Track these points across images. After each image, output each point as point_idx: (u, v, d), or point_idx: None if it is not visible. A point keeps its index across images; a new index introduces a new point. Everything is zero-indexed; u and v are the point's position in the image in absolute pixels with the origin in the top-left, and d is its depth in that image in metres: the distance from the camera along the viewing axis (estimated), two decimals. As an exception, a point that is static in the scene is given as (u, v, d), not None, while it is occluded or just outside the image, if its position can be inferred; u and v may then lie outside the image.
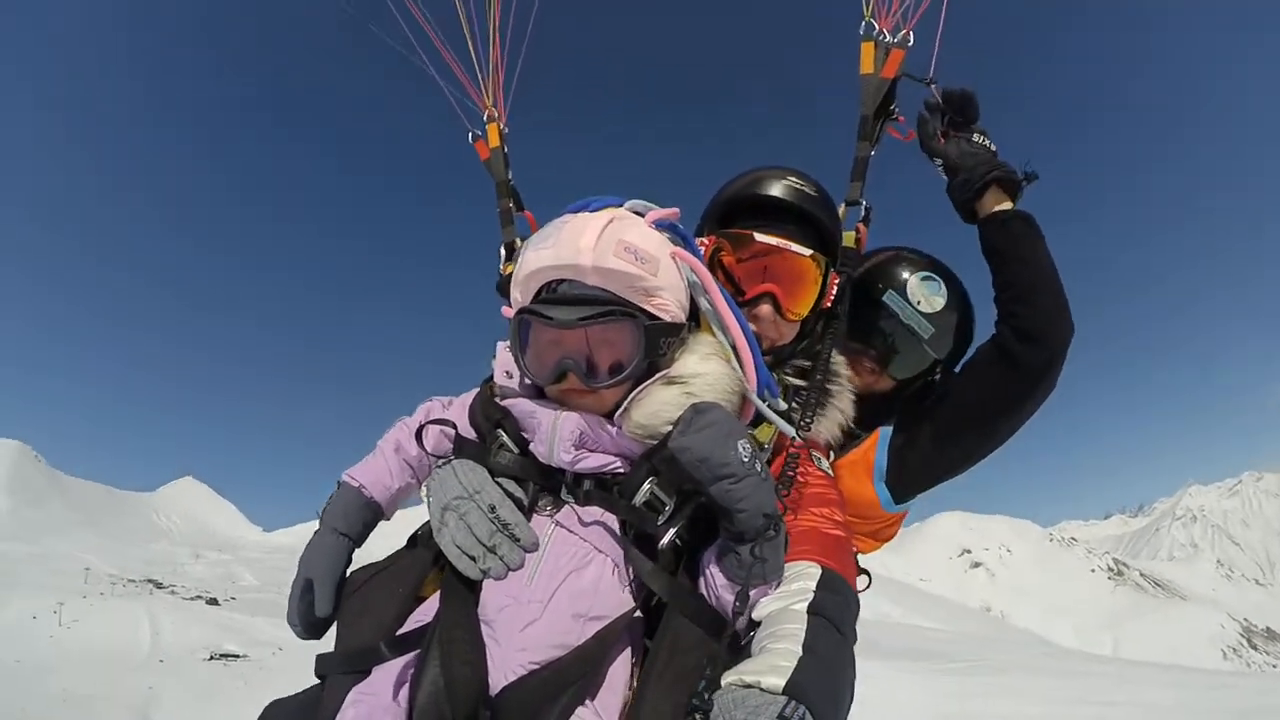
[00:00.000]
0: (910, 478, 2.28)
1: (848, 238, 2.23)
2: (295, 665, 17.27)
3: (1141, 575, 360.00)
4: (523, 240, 2.65)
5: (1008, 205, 2.15)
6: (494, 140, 2.86)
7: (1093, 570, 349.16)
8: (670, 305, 1.64)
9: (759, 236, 2.06)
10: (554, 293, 1.60)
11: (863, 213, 2.28)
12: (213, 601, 30.58)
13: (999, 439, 2.28)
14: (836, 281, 2.16)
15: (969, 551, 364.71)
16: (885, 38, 2.31)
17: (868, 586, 1.75)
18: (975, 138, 2.22)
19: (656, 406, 1.55)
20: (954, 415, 2.23)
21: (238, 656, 18.69)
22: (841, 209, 2.24)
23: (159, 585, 38.32)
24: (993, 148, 2.20)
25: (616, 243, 1.54)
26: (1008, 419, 2.22)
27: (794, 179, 2.13)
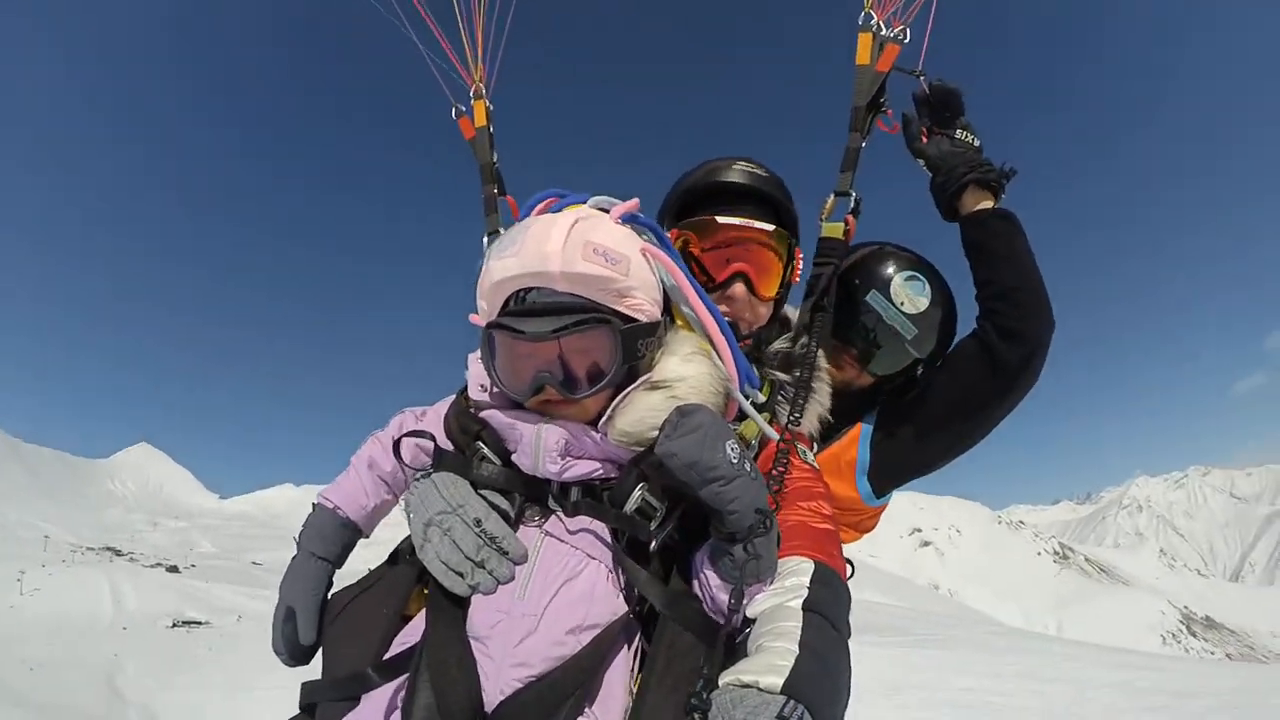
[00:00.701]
0: (892, 472, 2.31)
1: (836, 229, 2.24)
2: (258, 632, 17.23)
3: (1086, 560, 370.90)
4: (505, 229, 2.50)
5: (989, 203, 2.19)
6: (480, 119, 2.74)
7: (1039, 554, 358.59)
8: (645, 304, 1.59)
9: (721, 219, 2.07)
10: (523, 302, 1.54)
11: (852, 204, 2.27)
12: (173, 569, 30.42)
13: (980, 434, 2.32)
14: (801, 256, 2.19)
15: (919, 530, 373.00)
16: (883, 31, 2.32)
17: (851, 575, 1.74)
18: (959, 134, 2.26)
19: (641, 413, 1.51)
20: (935, 411, 2.26)
21: (200, 623, 18.73)
22: (830, 200, 2.26)
23: (118, 553, 37.94)
24: (976, 144, 2.24)
25: (584, 244, 1.48)
26: (988, 414, 2.25)
27: (745, 164, 2.14)
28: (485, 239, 2.55)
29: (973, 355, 2.18)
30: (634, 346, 1.54)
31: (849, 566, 1.73)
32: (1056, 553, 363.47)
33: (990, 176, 2.16)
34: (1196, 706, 9.86)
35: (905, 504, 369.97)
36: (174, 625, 18.29)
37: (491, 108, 2.76)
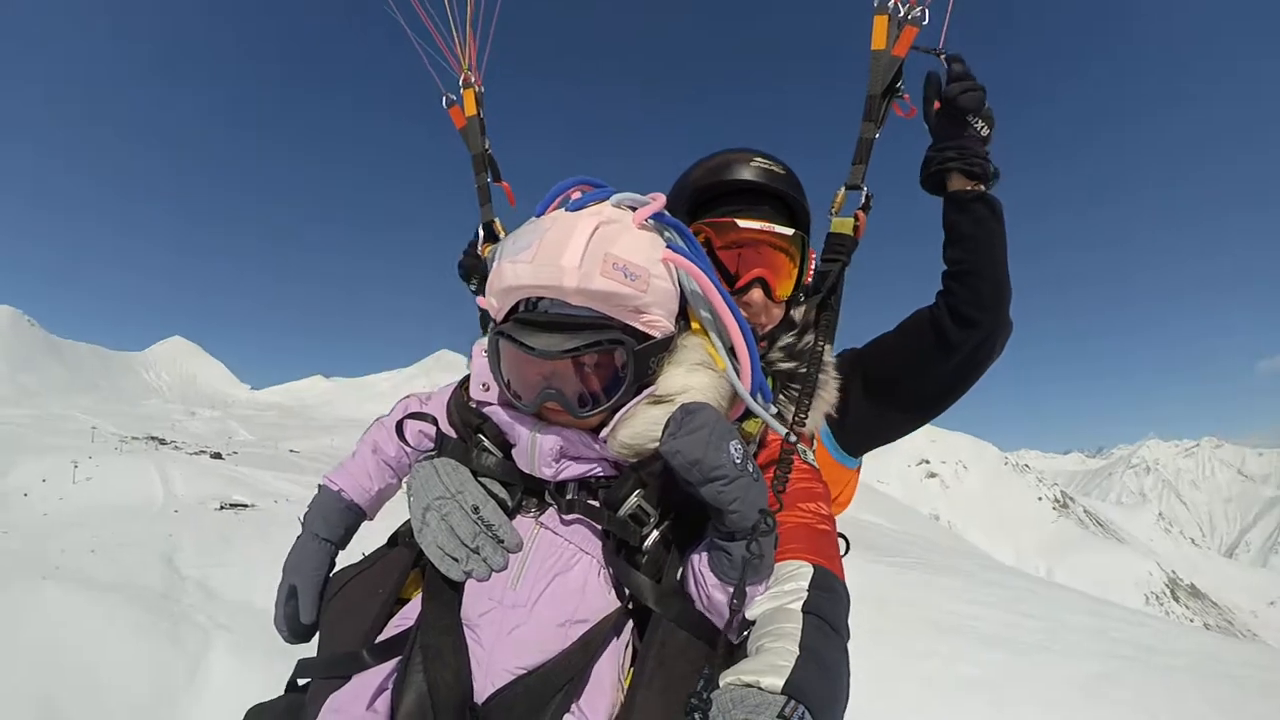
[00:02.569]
0: (852, 440, 2.29)
1: (846, 224, 2.15)
2: (300, 514, 18.40)
3: (1085, 512, 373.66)
4: (500, 221, 2.60)
5: (978, 186, 2.12)
6: (470, 107, 2.69)
7: (1040, 499, 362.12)
8: (661, 320, 1.54)
9: (741, 223, 2.03)
10: (534, 309, 1.49)
11: (863, 199, 2.17)
12: (216, 456, 31.18)
13: (930, 409, 2.29)
14: (814, 256, 2.15)
15: (927, 462, 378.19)
16: (900, 12, 2.17)
17: (846, 552, 1.71)
18: (971, 118, 2.12)
19: (643, 426, 1.49)
20: (887, 381, 2.22)
21: (246, 506, 19.31)
22: (841, 193, 2.16)
23: (162, 442, 38.95)
24: (985, 133, 2.12)
25: (603, 258, 1.41)
26: (935, 391, 2.24)
27: (761, 160, 2.09)
28: (480, 229, 2.58)
29: (923, 328, 2.16)
30: (646, 364, 1.51)
31: (844, 540, 1.73)
32: (1057, 500, 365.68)
33: (975, 168, 2.09)
34: (1159, 661, 10.26)
35: (918, 435, 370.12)
36: (221, 508, 18.81)
37: (482, 90, 2.72)
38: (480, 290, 2.38)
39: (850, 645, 1.45)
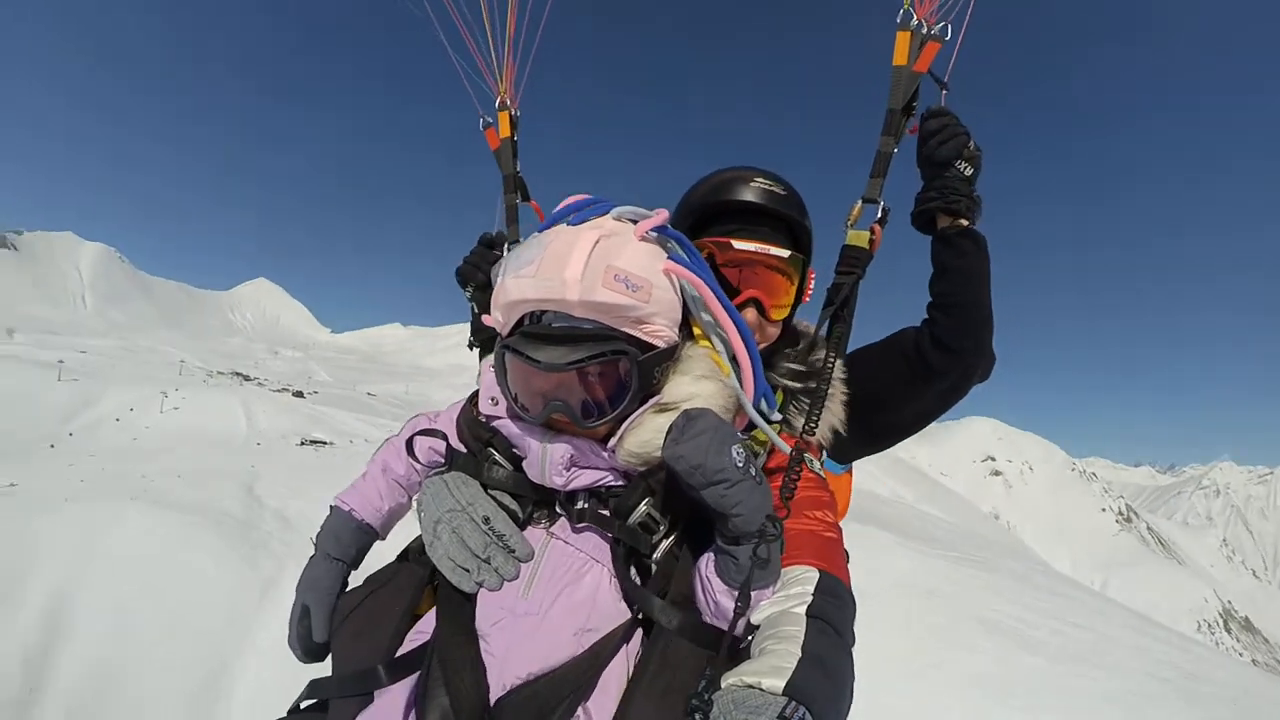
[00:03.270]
0: (836, 450, 2.25)
1: (861, 237, 2.13)
2: (370, 452, 18.85)
3: (1148, 528, 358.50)
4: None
5: (962, 222, 2.16)
6: (505, 129, 2.74)
7: (1103, 509, 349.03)
8: (664, 330, 1.58)
9: (737, 244, 2.06)
10: (538, 323, 1.52)
11: (879, 213, 2.14)
12: (298, 394, 31.93)
13: (908, 430, 2.35)
14: (813, 277, 2.19)
15: (992, 459, 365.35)
16: (923, 28, 2.16)
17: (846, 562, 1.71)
18: (956, 163, 2.15)
19: (649, 434, 1.52)
20: (869, 399, 2.18)
21: (325, 443, 19.84)
22: (857, 206, 2.14)
23: (246, 378, 40.02)
24: (968, 173, 2.15)
25: (605, 270, 1.45)
26: (913, 415, 2.28)
27: (762, 180, 2.10)
28: (506, 248, 2.57)
29: (908, 349, 2.20)
30: (650, 374, 1.54)
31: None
32: (1121, 513, 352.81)
33: (954, 205, 2.13)
34: (1200, 690, 10.04)
35: (986, 430, 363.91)
36: (301, 443, 19.36)
37: (518, 115, 2.77)
38: (475, 298, 2.54)
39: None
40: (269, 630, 7.65)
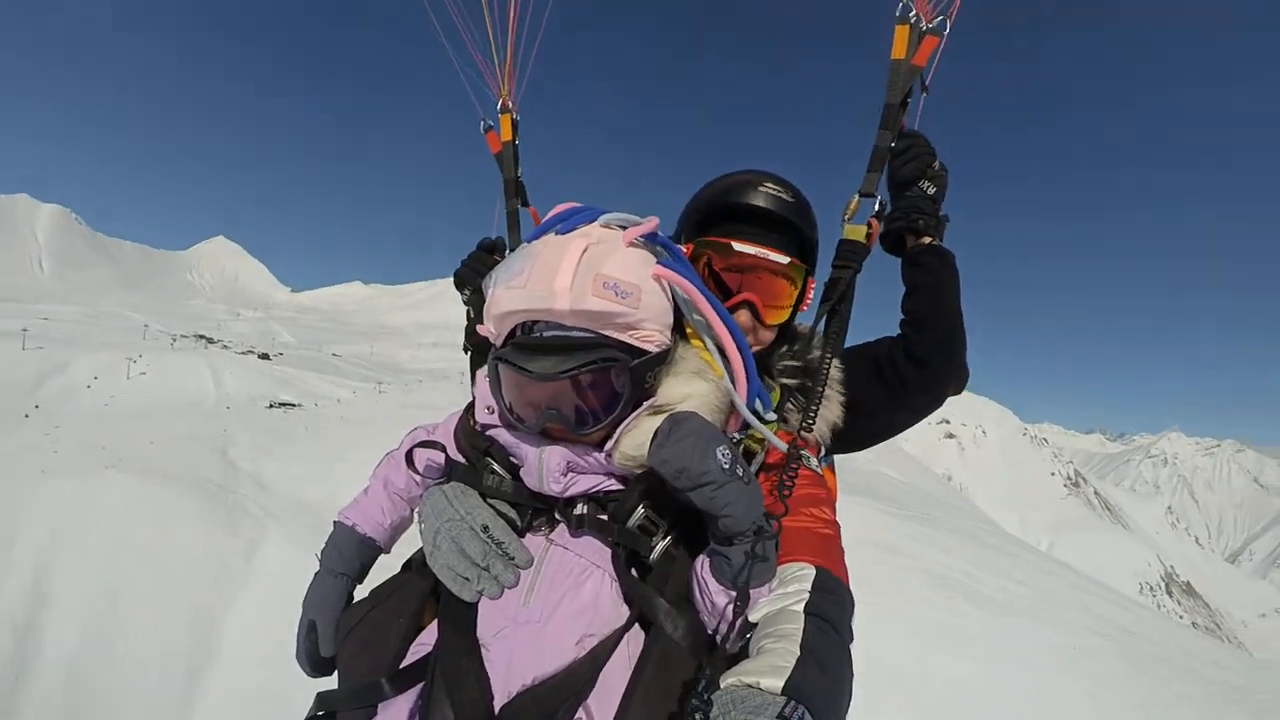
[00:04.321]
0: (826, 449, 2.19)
1: (859, 231, 2.13)
2: (346, 413, 18.57)
3: (1096, 494, 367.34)
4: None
5: (927, 239, 2.18)
6: (506, 133, 2.70)
7: (1053, 474, 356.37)
8: (655, 335, 1.58)
9: (736, 246, 2.02)
10: (529, 334, 1.53)
11: (876, 207, 2.15)
12: (264, 356, 31.80)
13: (878, 437, 2.33)
14: (814, 285, 2.16)
15: (947, 422, 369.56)
16: (921, 22, 2.16)
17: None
18: (921, 182, 2.17)
19: (644, 437, 1.50)
20: (847, 401, 2.12)
21: (294, 405, 19.82)
22: (854, 200, 2.15)
23: (210, 340, 39.64)
24: (930, 191, 2.16)
25: (594, 278, 1.45)
26: (884, 424, 2.28)
27: (771, 185, 2.07)
28: (507, 254, 2.49)
29: (881, 361, 2.20)
30: (642, 378, 1.55)
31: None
32: (1069, 478, 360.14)
33: (918, 224, 2.15)
34: (1135, 646, 10.56)
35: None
36: (271, 406, 19.41)
37: (519, 119, 2.74)
38: (471, 301, 2.50)
39: (849, 585, 1.53)
40: (253, 591, 7.98)
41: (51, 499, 8.62)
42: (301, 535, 9.09)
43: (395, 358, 51.89)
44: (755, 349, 2.05)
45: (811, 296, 2.17)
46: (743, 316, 2.02)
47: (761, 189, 2.06)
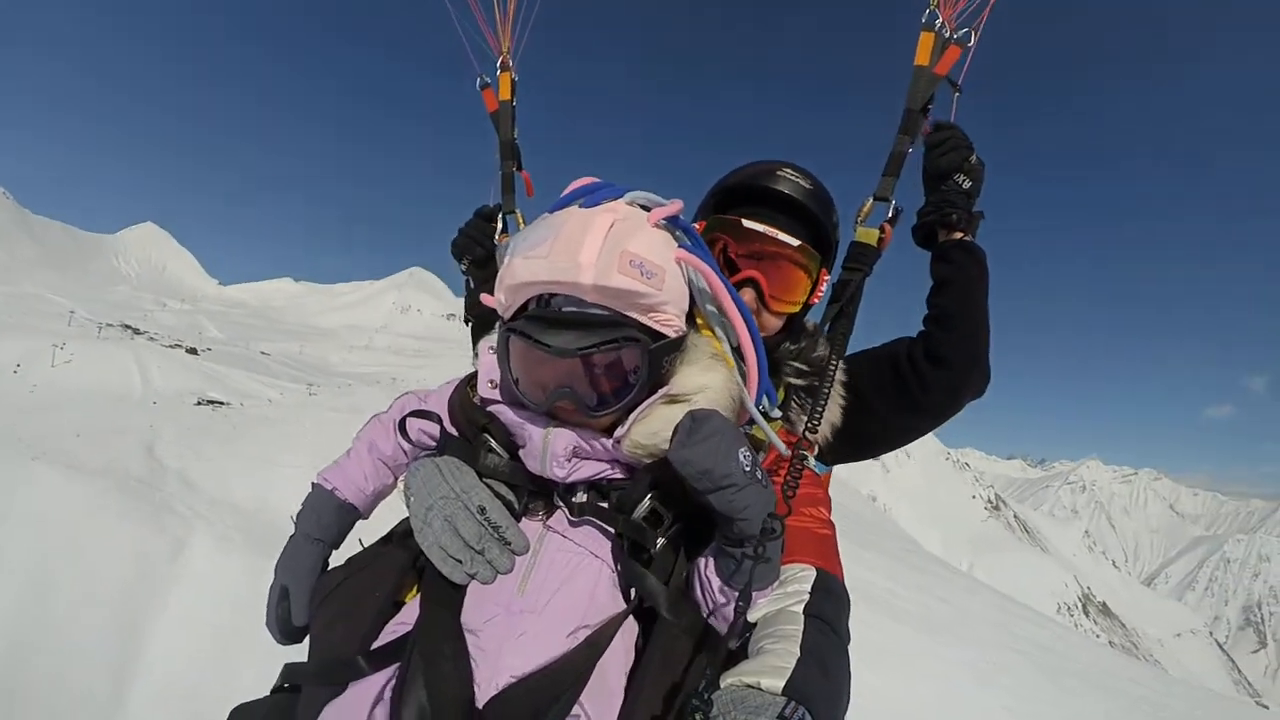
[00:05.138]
0: (825, 451, 2.17)
1: (870, 235, 2.12)
2: (275, 414, 18.21)
3: (1015, 517, 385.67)
4: (521, 213, 2.57)
5: (958, 234, 2.15)
6: (504, 92, 2.62)
7: (973, 497, 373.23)
8: (674, 320, 1.52)
9: (746, 223, 2.01)
10: (546, 307, 1.46)
11: (890, 212, 2.13)
12: (192, 351, 30.97)
13: (896, 441, 2.27)
14: (826, 279, 2.13)
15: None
16: (947, 31, 2.14)
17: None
18: (955, 175, 2.15)
19: (659, 426, 1.45)
20: (861, 407, 2.14)
21: (222, 403, 19.45)
22: (868, 203, 2.14)
23: (137, 331, 38.76)
24: (965, 186, 2.14)
25: (620, 255, 1.38)
26: (901, 426, 2.22)
27: (790, 171, 2.06)
28: (501, 218, 2.54)
29: (900, 360, 2.15)
30: (659, 363, 1.49)
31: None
32: (990, 501, 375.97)
33: (951, 218, 2.13)
34: (1052, 662, 11.02)
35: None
36: (199, 403, 18.96)
37: (517, 79, 2.66)
38: (470, 272, 2.50)
39: (846, 585, 1.54)
40: (180, 592, 7.85)
41: (-25, 487, 8.34)
42: (229, 536, 8.93)
43: (326, 359, 51.13)
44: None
45: (823, 291, 2.15)
46: (747, 294, 1.99)
47: (781, 174, 2.06)
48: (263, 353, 42.54)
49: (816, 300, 2.14)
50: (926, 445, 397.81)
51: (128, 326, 41.13)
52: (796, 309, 2.09)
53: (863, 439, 2.21)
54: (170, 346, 31.27)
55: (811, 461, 1.76)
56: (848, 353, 2.11)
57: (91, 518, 8.50)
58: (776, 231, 2.01)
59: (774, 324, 2.08)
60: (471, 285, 2.50)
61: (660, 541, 1.49)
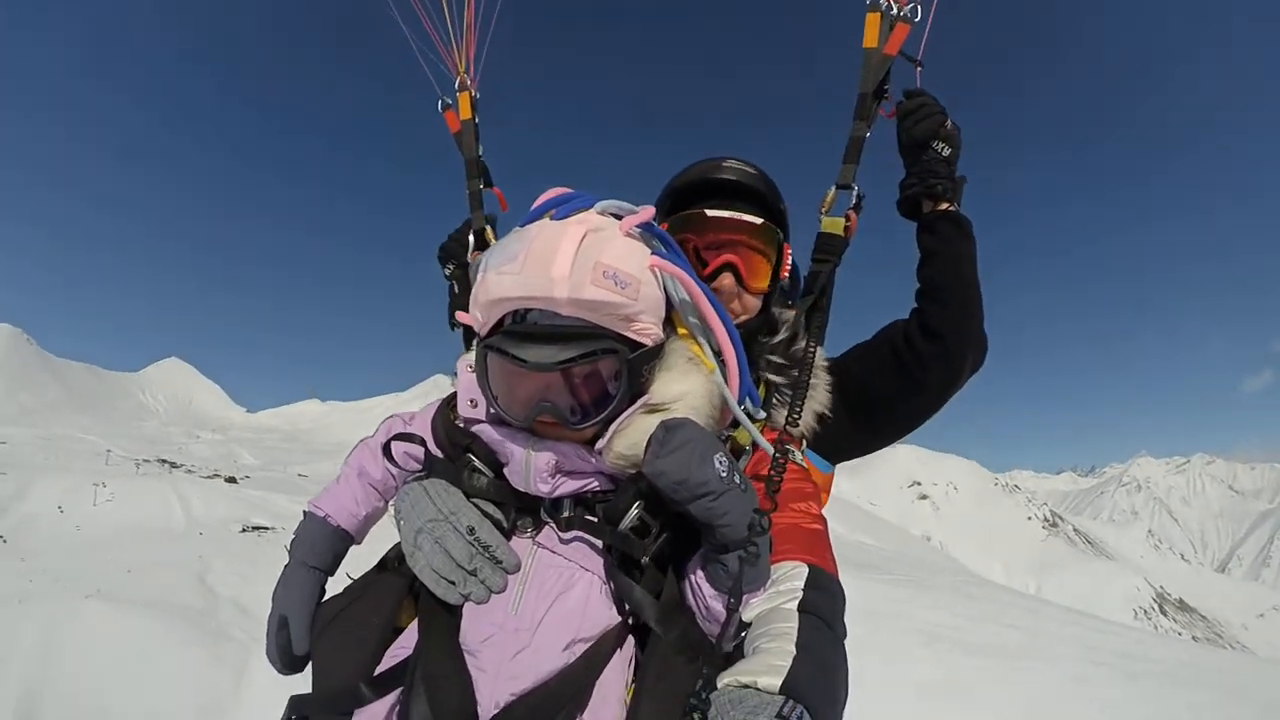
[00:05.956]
0: (829, 448, 2.19)
1: (836, 224, 2.13)
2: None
3: (1074, 530, 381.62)
4: (492, 228, 2.54)
5: (943, 205, 2.13)
6: (465, 111, 2.65)
7: (1029, 518, 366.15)
8: (652, 328, 1.52)
9: (709, 212, 2.04)
10: (522, 321, 1.45)
11: (854, 199, 2.14)
12: (230, 480, 30.92)
13: (904, 426, 2.26)
14: (789, 253, 2.16)
15: (918, 484, 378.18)
16: (892, 10, 2.15)
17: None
18: (934, 144, 2.13)
19: (639, 437, 1.43)
20: (862, 396, 2.16)
21: (267, 529, 19.42)
22: (831, 193, 2.14)
23: (174, 465, 38.79)
24: (945, 153, 2.12)
25: (594, 266, 1.37)
26: (907, 410, 2.20)
27: (735, 162, 2.10)
28: (471, 237, 2.52)
29: (896, 341, 2.13)
30: (638, 372, 1.49)
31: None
32: (1046, 519, 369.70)
33: (936, 189, 2.11)
34: (1135, 668, 10.67)
35: (909, 458, 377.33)
36: (244, 530, 18.99)
37: (478, 97, 2.67)
38: (455, 275, 2.50)
39: (839, 579, 1.52)
40: (249, 715, 7.79)
41: (35, 628, 8.39)
42: (289, 660, 8.86)
43: (365, 474, 50.75)
44: (742, 317, 2.09)
45: (789, 264, 2.17)
46: (726, 280, 2.03)
47: (726, 165, 2.11)
48: (300, 475, 42.74)
49: (785, 275, 2.16)
50: (973, 475, 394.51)
51: (164, 461, 41.28)
52: (769, 286, 2.12)
53: (870, 430, 2.23)
54: (209, 477, 31.38)
55: (798, 455, 1.81)
56: (838, 355, 2.23)
57: (149, 649, 8.48)
58: (739, 214, 2.05)
59: (754, 304, 2.11)
60: (456, 291, 2.51)
61: (651, 552, 1.49)
